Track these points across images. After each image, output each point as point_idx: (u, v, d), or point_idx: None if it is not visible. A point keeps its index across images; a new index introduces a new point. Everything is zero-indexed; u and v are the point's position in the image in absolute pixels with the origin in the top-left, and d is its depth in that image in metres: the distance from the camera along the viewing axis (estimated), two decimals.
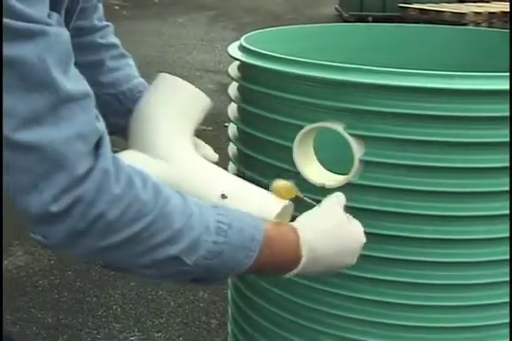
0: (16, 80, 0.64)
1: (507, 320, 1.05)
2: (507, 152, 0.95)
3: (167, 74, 1.01)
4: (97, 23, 1.10)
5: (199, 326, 2.19)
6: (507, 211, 0.98)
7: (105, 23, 1.12)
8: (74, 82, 0.69)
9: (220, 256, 0.79)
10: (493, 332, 1.07)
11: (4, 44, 0.63)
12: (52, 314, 2.23)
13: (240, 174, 1.18)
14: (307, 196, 1.02)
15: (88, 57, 1.08)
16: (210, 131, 3.61)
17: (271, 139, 1.05)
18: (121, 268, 0.81)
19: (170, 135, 0.95)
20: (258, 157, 1.09)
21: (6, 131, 0.65)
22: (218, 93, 4.64)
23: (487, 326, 1.06)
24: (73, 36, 1.02)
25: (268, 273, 0.93)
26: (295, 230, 0.87)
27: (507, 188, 0.96)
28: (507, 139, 0.94)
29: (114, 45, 1.13)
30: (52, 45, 0.66)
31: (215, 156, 1.04)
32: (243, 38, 1.18)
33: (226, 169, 1.26)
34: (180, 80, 1.00)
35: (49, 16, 0.68)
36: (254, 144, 1.11)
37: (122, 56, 1.13)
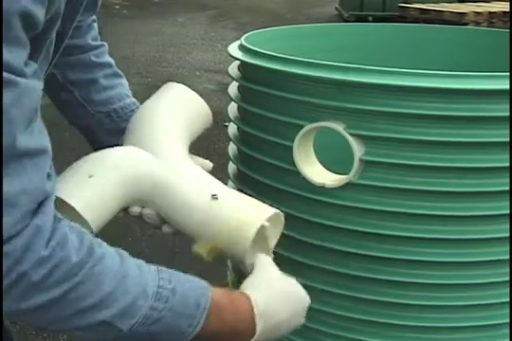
0: None
1: (507, 320, 1.05)
2: (507, 152, 0.95)
3: (177, 83, 1.01)
4: (91, 42, 1.10)
5: None
6: (507, 211, 0.98)
7: (100, 42, 1.12)
8: (34, 138, 0.66)
9: (160, 323, 0.75)
10: (493, 331, 1.07)
11: None
12: None
13: (239, 174, 1.19)
14: (308, 196, 1.02)
15: (81, 75, 1.08)
16: (209, 130, 3.61)
17: (271, 139, 1.05)
18: (56, 330, 0.77)
19: (169, 139, 0.95)
20: (258, 157, 1.09)
21: None
22: (218, 92, 4.64)
23: (487, 326, 1.06)
24: (66, 54, 1.03)
25: None
26: (247, 298, 0.83)
27: (507, 188, 0.96)
28: (507, 139, 0.94)
29: (108, 65, 1.12)
30: (19, 98, 0.63)
31: (210, 164, 1.03)
32: (243, 37, 1.18)
33: (226, 168, 1.27)
34: (191, 91, 1.00)
35: (26, 65, 0.65)
36: (254, 143, 1.11)
37: (116, 75, 1.12)
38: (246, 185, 1.15)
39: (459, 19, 6.74)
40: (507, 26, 6.33)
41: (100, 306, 0.71)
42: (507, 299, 1.04)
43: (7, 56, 0.61)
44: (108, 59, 1.13)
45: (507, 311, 1.05)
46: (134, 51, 6.17)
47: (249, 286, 0.86)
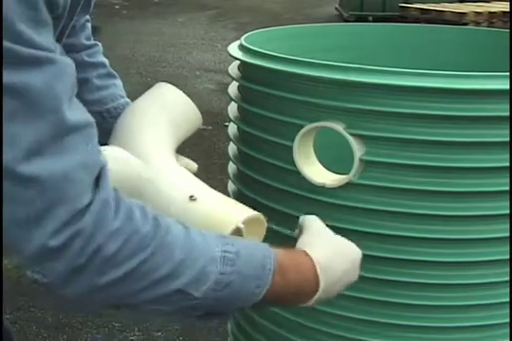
0: (22, 109, 0.62)
1: (507, 320, 1.05)
2: (507, 152, 0.95)
3: (166, 83, 1.01)
4: (84, 41, 1.09)
5: (199, 325, 2.18)
6: (507, 211, 0.98)
7: (93, 42, 1.11)
8: (77, 112, 0.68)
9: (229, 287, 0.75)
10: (493, 331, 1.07)
11: (10, 71, 0.61)
12: (52, 313, 2.23)
13: (239, 174, 1.18)
14: (308, 196, 1.02)
15: None
16: (209, 130, 3.61)
17: (271, 139, 1.05)
18: (127, 306, 0.76)
19: (154, 139, 0.95)
20: (258, 157, 1.09)
21: (6, 162, 0.62)
22: (218, 92, 4.63)
23: (487, 326, 1.06)
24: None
25: (286, 303, 0.88)
26: (309, 256, 0.83)
27: (507, 188, 0.96)
28: (507, 139, 0.94)
29: (101, 64, 1.11)
30: (60, 74, 0.65)
31: (194, 165, 1.03)
32: (243, 37, 1.18)
33: (226, 168, 1.27)
34: (179, 90, 1.00)
35: (54, 46, 0.67)
36: (254, 143, 1.11)
37: (110, 75, 1.12)
38: (247, 185, 1.15)
39: (459, 19, 6.74)
40: (507, 26, 6.33)
41: (173, 274, 0.72)
42: (507, 299, 1.04)
43: (38, 38, 0.63)
44: (102, 59, 1.12)
45: (507, 311, 1.05)
46: (134, 51, 6.17)
47: (306, 245, 0.86)
